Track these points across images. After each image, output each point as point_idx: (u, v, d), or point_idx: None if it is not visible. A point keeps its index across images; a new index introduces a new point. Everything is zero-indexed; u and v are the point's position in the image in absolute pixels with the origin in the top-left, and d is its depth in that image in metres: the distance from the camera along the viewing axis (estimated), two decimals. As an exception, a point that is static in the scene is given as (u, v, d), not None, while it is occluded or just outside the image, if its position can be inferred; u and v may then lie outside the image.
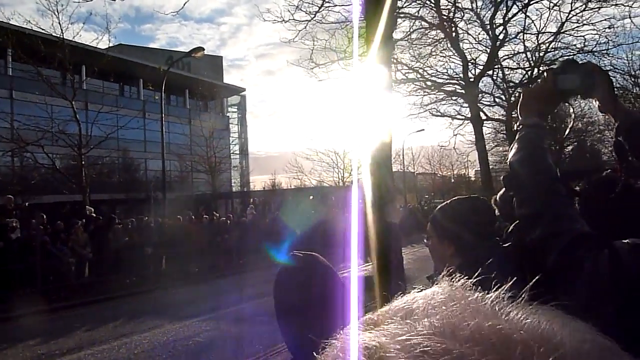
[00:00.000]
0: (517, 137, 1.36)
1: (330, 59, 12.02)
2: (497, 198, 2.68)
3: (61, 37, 16.80)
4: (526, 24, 15.71)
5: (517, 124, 1.41)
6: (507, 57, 17.04)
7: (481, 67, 16.14)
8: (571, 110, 1.52)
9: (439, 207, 1.66)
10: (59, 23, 16.77)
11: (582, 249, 1.13)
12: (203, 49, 19.09)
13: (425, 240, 1.69)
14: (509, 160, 1.36)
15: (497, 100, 19.48)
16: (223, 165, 32.61)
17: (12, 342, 8.04)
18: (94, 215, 14.25)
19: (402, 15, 13.43)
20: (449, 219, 1.55)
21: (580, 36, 15.29)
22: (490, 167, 19.45)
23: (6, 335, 8.59)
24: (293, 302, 1.35)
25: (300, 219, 20.06)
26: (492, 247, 1.45)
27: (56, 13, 16.65)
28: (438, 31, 14.75)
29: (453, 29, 14.78)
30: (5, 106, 22.49)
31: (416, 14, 14.23)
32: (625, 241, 1.12)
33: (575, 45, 15.80)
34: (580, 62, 1.40)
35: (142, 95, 36.21)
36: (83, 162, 17.65)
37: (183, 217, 16.49)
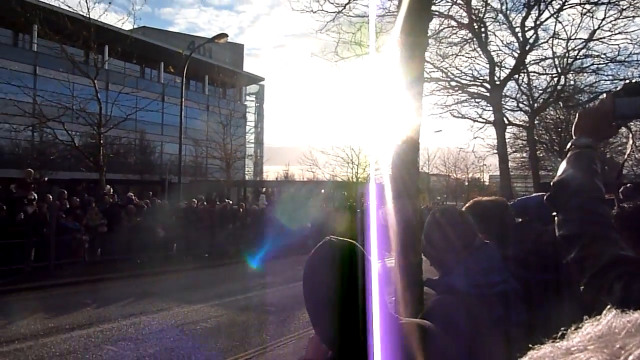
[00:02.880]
0: (567, 157, 1.35)
1: (355, 53, 11.86)
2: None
3: (87, 15, 16.85)
4: (556, 30, 15.33)
5: (570, 143, 1.39)
6: (534, 62, 16.70)
7: (507, 71, 15.82)
8: (630, 135, 1.45)
9: None
10: (86, 2, 16.86)
11: (614, 273, 1.10)
12: (226, 35, 19.07)
13: None
14: (554, 180, 1.34)
15: (520, 105, 19.18)
16: (238, 153, 32.69)
17: (24, 313, 8.10)
18: (111, 194, 14.37)
19: (432, 12, 13.21)
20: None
21: (614, 44, 14.76)
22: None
23: (18, 306, 8.68)
24: (326, 289, 1.27)
25: (312, 211, 20.05)
26: None
27: (83, -9, 16.72)
28: (466, 31, 14.48)
29: (482, 29, 14.49)
30: (29, 81, 22.66)
31: (446, 13, 13.95)
32: None
33: (606, 54, 15.37)
34: None
35: (162, 79, 36.44)
36: (101, 141, 17.79)
37: (196, 201, 16.53)
